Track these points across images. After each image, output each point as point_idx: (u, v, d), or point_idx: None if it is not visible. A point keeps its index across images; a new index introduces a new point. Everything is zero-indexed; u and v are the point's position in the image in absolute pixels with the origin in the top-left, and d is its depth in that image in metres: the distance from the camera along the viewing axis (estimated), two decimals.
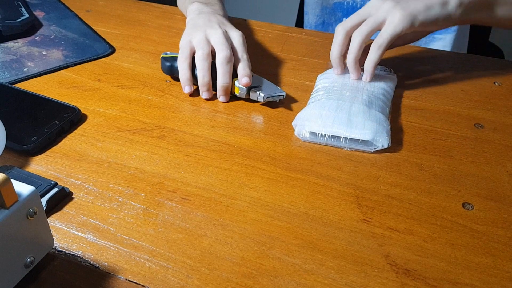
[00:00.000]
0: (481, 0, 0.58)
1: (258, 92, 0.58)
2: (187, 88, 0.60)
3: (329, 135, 0.52)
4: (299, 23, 0.96)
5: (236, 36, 0.61)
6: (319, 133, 0.52)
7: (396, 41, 0.59)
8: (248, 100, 0.59)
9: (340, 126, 0.52)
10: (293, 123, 0.55)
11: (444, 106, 0.59)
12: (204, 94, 0.60)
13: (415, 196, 0.46)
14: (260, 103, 0.59)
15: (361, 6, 0.82)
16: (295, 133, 0.54)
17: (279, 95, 0.58)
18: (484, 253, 0.40)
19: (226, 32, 0.61)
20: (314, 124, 0.53)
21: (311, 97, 0.59)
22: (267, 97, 0.57)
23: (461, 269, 0.39)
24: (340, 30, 0.59)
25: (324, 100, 0.56)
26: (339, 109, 0.54)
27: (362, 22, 0.58)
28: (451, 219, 0.44)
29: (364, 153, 0.51)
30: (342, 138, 0.52)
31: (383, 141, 0.51)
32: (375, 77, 0.60)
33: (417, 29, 0.57)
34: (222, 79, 0.58)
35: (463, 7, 0.57)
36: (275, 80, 0.64)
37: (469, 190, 0.47)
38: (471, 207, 0.45)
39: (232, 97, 0.60)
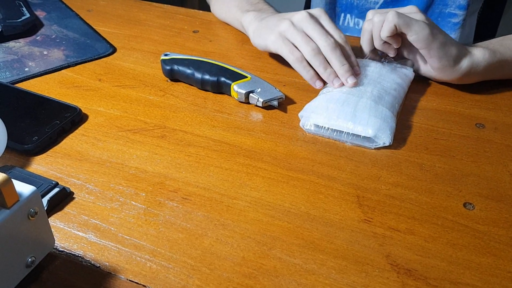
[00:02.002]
0: (494, 65, 0.59)
1: (256, 97, 0.57)
2: (317, 83, 0.60)
3: (332, 128, 0.52)
4: None
5: (322, 16, 0.61)
6: (322, 126, 0.53)
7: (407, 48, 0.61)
8: (248, 103, 0.59)
9: (344, 121, 0.52)
10: (299, 114, 0.55)
11: (446, 105, 0.59)
12: (349, 79, 0.57)
13: (416, 196, 0.46)
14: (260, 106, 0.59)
15: (358, 3, 0.82)
16: (300, 124, 0.54)
17: (278, 98, 0.57)
18: (486, 253, 0.40)
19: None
20: (319, 116, 0.53)
21: (324, 87, 0.60)
22: (265, 102, 0.57)
23: (462, 269, 0.39)
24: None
25: (334, 93, 0.56)
26: (346, 103, 0.54)
27: None
28: (452, 219, 0.43)
29: (365, 152, 0.51)
30: (344, 132, 0.52)
31: (384, 139, 0.51)
32: (390, 71, 0.60)
33: (422, 46, 0.56)
34: (338, 63, 0.57)
35: (473, 71, 0.58)
36: (276, 79, 0.64)
37: (471, 190, 0.47)
38: (472, 207, 0.45)
39: (231, 97, 0.60)
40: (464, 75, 0.58)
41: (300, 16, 0.59)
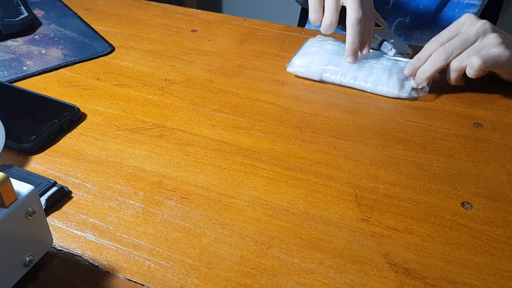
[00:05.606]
0: None
1: (390, 46, 0.63)
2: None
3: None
4: (303, 19, 0.95)
5: None
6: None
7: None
8: (377, 50, 0.64)
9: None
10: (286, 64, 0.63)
11: (444, 105, 0.59)
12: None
13: (414, 195, 0.46)
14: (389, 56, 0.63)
15: None
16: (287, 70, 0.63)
17: (407, 53, 0.63)
18: (483, 252, 0.40)
19: None
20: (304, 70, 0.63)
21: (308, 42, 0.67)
22: (397, 53, 0.63)
23: (460, 268, 0.39)
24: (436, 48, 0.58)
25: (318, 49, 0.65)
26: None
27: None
28: (450, 218, 0.44)
29: (363, 152, 0.51)
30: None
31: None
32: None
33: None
34: (351, 39, 0.58)
35: None
36: (275, 78, 0.64)
37: (468, 190, 0.47)
38: (470, 206, 0.45)
39: (231, 96, 0.60)
40: None
41: None
